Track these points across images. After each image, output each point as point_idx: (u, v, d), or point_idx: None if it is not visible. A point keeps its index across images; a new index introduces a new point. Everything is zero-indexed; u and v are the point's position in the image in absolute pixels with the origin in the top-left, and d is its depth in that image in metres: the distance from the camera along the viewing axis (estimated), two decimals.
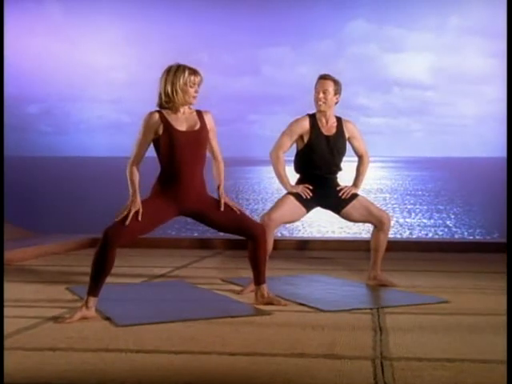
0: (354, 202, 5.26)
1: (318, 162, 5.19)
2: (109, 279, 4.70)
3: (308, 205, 5.22)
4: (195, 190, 4.42)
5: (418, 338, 3.63)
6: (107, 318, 4.11)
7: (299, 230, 18.37)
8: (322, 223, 16.23)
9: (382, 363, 3.15)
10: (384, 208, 29.03)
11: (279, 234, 17.89)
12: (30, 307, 4.46)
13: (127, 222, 4.20)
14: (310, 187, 5.18)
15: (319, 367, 3.10)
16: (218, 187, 4.60)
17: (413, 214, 26.75)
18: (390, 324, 3.97)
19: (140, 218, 4.23)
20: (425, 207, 30.18)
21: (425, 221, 24.15)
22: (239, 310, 4.38)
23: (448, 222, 23.60)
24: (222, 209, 4.48)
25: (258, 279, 4.61)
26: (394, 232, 19.00)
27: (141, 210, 4.26)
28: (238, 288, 5.14)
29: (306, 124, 5.19)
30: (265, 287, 4.61)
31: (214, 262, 6.74)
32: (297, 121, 5.22)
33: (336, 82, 5.19)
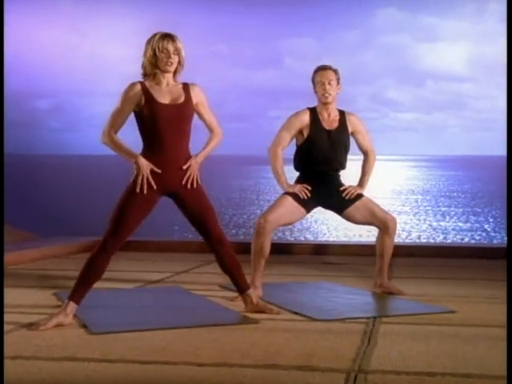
0: (358, 202, 5.20)
1: (319, 158, 5.15)
2: (102, 284, 4.73)
3: (308, 205, 5.18)
4: (179, 168, 4.32)
5: (406, 349, 3.58)
6: (84, 326, 4.13)
7: (324, 234, 18.30)
8: (348, 227, 16.13)
9: (356, 376, 3.11)
10: (416, 211, 28.92)
11: (302, 238, 17.87)
12: (8, 313, 4.48)
13: (144, 190, 4.21)
14: (309, 187, 5.14)
15: (287, 379, 3.08)
16: (198, 153, 4.44)
17: (447, 217, 26.35)
18: (382, 335, 3.92)
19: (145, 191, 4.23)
20: (460, 210, 29.84)
21: (460, 224, 23.85)
22: (224, 318, 4.37)
23: (486, 226, 23.35)
24: (184, 181, 4.31)
25: (239, 286, 4.58)
26: (427, 236, 18.82)
27: (150, 169, 4.23)
28: (234, 295, 5.13)
29: (305, 118, 5.16)
30: (251, 293, 4.58)
31: (218, 267, 6.71)
32: (296, 114, 5.19)
33: (336, 72, 5.18)
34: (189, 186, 4.34)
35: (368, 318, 4.37)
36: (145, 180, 4.24)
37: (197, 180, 4.38)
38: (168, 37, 4.27)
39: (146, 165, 4.25)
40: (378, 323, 4.22)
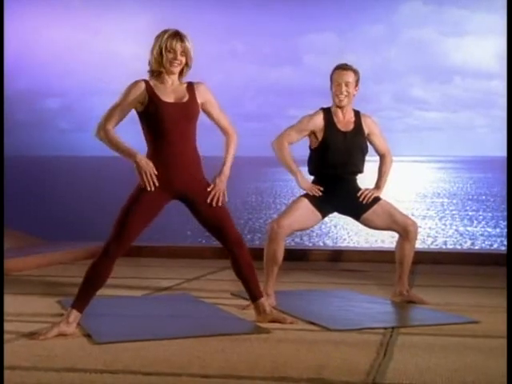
0: (376, 206, 5.17)
1: (334, 161, 5.14)
2: (109, 291, 4.74)
3: (324, 209, 5.16)
4: (187, 169, 4.32)
5: (423, 362, 3.55)
6: (88, 335, 4.13)
7: (344, 239, 18.20)
8: (369, 232, 16.07)
9: None
10: (442, 215, 28.68)
11: (321, 244, 17.82)
12: (9, 321, 4.49)
13: (153, 187, 4.21)
14: (321, 188, 5.12)
15: None
16: (222, 168, 4.45)
17: (475, 222, 26.06)
18: (399, 346, 3.90)
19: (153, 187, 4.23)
20: (489, 214, 29.49)
21: (489, 230, 23.57)
22: (233, 327, 4.36)
23: None
24: (209, 200, 4.35)
25: (252, 294, 4.57)
26: (454, 242, 18.66)
27: (152, 166, 4.22)
28: (246, 303, 5.11)
29: (319, 120, 5.16)
30: (264, 302, 4.57)
31: (232, 274, 6.70)
32: (309, 116, 5.19)
33: (356, 72, 5.16)
34: (214, 204, 4.36)
35: (386, 328, 4.35)
36: (149, 177, 4.23)
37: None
38: (177, 36, 4.25)
39: (146, 162, 4.25)
40: (396, 334, 4.19)
